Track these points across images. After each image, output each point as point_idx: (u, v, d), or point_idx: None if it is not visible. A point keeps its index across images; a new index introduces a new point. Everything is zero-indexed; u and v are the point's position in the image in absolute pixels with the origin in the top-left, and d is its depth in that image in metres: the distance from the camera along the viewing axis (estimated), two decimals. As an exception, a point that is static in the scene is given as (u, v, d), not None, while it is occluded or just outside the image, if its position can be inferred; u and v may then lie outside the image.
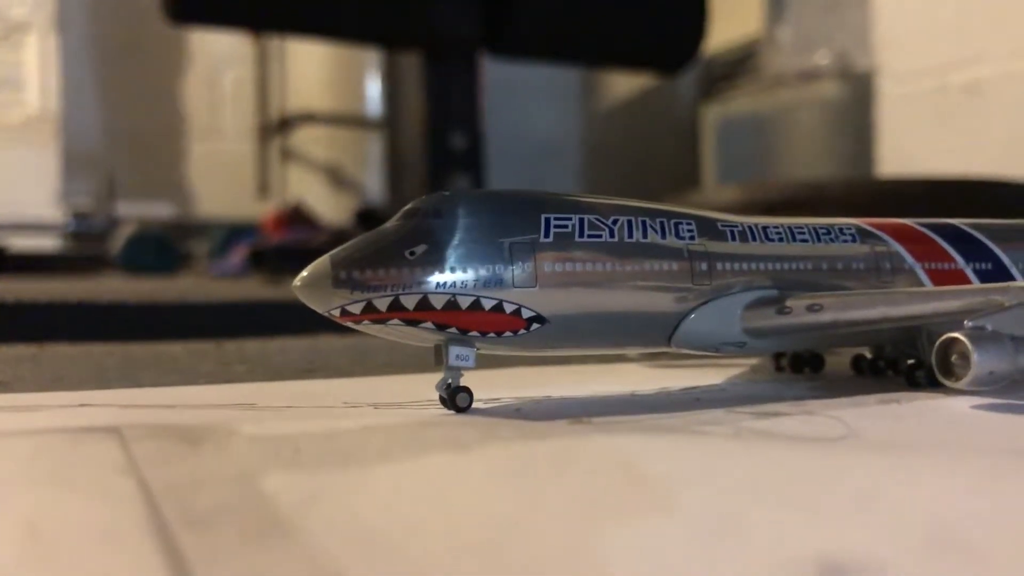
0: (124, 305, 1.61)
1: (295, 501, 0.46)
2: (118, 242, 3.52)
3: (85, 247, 3.99)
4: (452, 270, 0.68)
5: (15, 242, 3.81)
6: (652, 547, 0.39)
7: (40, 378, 0.94)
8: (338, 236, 2.12)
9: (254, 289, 2.13)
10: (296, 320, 1.36)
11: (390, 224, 0.71)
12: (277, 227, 3.31)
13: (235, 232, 3.47)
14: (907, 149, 2.56)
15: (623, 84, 3.87)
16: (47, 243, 4.21)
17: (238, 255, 3.04)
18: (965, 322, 0.71)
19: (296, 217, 3.36)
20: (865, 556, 0.37)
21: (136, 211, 4.17)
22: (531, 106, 3.71)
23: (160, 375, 0.97)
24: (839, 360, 0.95)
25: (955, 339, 0.70)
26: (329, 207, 3.95)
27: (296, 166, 4.57)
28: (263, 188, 4.69)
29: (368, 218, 3.02)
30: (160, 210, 4.48)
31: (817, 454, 0.58)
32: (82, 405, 0.75)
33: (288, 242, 2.94)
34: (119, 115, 4.68)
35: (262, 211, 3.89)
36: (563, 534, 0.41)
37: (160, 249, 3.49)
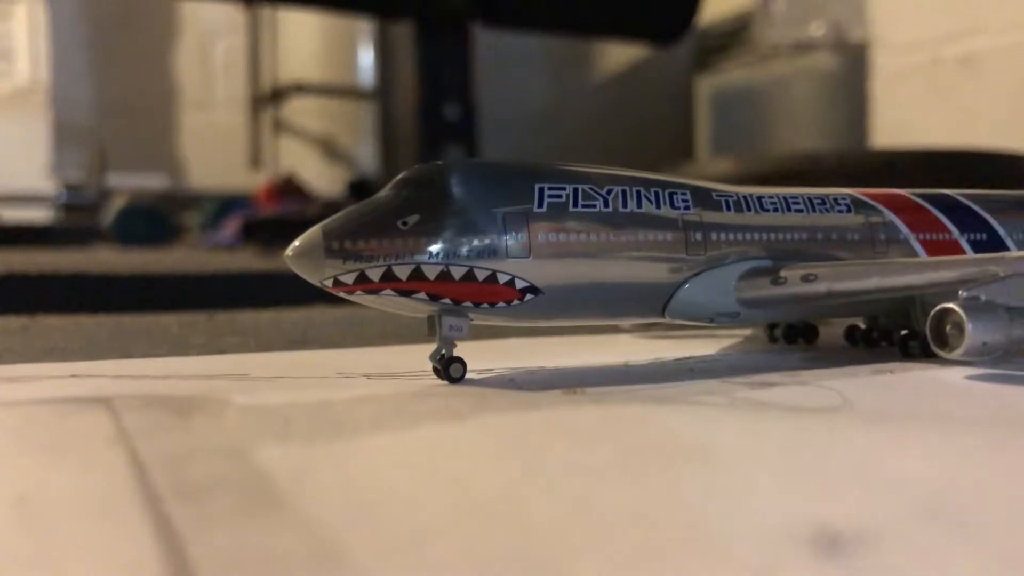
0: (116, 277, 1.60)
1: (287, 471, 0.46)
2: (110, 214, 3.50)
3: (77, 219, 3.97)
4: (445, 240, 0.67)
5: (6, 214, 3.80)
6: (646, 517, 0.39)
7: (31, 349, 0.93)
8: (330, 207, 2.11)
9: (246, 261, 2.13)
10: (289, 291, 1.35)
11: (383, 194, 0.71)
12: (269, 198, 3.30)
13: (227, 204, 3.46)
14: (901, 121, 2.55)
15: (616, 55, 3.85)
16: (38, 215, 4.19)
17: (230, 227, 3.03)
18: (959, 292, 0.71)
19: (288, 188, 3.35)
20: (859, 525, 0.37)
21: (128, 183, 4.15)
22: (524, 77, 3.69)
23: (151, 347, 0.96)
24: (833, 331, 0.95)
25: (949, 309, 0.70)
26: (322, 178, 3.93)
27: (288, 137, 4.55)
28: (255, 159, 4.67)
29: (361, 189, 3.01)
30: (152, 181, 4.45)
31: (812, 424, 0.58)
32: (73, 376, 0.74)
33: (280, 213, 2.93)
34: (110, 86, 4.65)
35: (254, 182, 3.88)
36: (557, 503, 0.41)
37: (152, 221, 3.48)
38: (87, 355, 0.88)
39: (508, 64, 3.53)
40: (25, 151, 4.45)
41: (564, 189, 0.71)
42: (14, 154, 4.40)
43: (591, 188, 0.72)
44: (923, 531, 0.37)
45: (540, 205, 0.70)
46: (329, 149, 4.30)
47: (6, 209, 3.89)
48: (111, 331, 1.11)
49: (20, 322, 1.19)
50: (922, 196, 0.91)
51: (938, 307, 0.71)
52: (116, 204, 3.55)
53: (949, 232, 0.89)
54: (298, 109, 4.42)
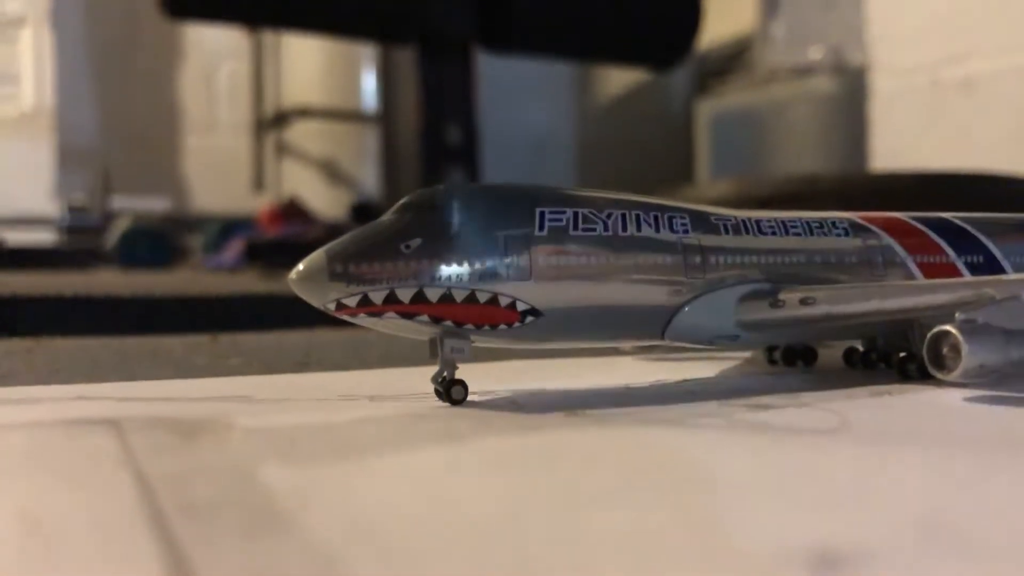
0: (120, 299, 1.61)
1: (291, 493, 0.47)
2: (113, 236, 3.51)
3: (81, 241, 3.98)
4: (447, 263, 0.68)
5: (11, 236, 3.81)
6: (647, 539, 0.40)
7: (36, 372, 0.94)
8: (333, 230, 2.12)
9: (249, 283, 2.13)
10: (292, 313, 1.36)
11: (386, 218, 0.72)
12: (272, 221, 3.31)
13: (230, 226, 3.46)
14: (900, 144, 2.57)
15: (617, 79, 3.87)
16: (43, 237, 4.20)
17: (233, 249, 3.03)
18: (956, 315, 0.72)
19: (291, 211, 3.36)
20: (858, 547, 0.38)
21: (131, 205, 4.16)
22: (525, 101, 3.71)
23: (156, 368, 0.97)
24: (832, 353, 0.96)
25: (946, 332, 0.70)
26: (324, 201, 3.94)
27: (291, 160, 4.56)
28: (258, 182, 4.69)
29: (363, 212, 3.02)
30: (155, 204, 4.47)
31: (810, 446, 0.58)
32: (79, 398, 0.75)
33: (283, 236, 2.94)
34: (114, 109, 4.67)
35: (257, 205, 3.89)
36: (558, 526, 0.42)
37: (155, 243, 3.49)
38: (92, 377, 0.89)
39: (510, 88, 3.55)
40: (30, 174, 4.47)
41: (564, 213, 0.72)
42: (19, 177, 4.42)
43: (591, 212, 0.73)
44: (921, 552, 0.37)
45: (541, 228, 0.71)
46: (332, 172, 4.31)
47: (11, 232, 3.90)
48: (116, 353, 1.11)
49: (25, 344, 1.20)
50: (920, 219, 0.91)
51: (935, 329, 0.71)
52: (120, 226, 3.56)
53: (946, 255, 0.89)
54: (301, 133, 4.44)
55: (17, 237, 3.87)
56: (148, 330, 1.37)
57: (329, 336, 1.27)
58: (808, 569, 0.35)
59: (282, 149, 4.60)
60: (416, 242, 0.68)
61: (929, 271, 0.87)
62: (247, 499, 0.46)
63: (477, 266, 0.69)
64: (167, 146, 4.79)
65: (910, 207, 0.94)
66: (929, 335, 0.72)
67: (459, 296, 0.68)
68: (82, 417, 0.65)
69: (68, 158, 4.55)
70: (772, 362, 0.95)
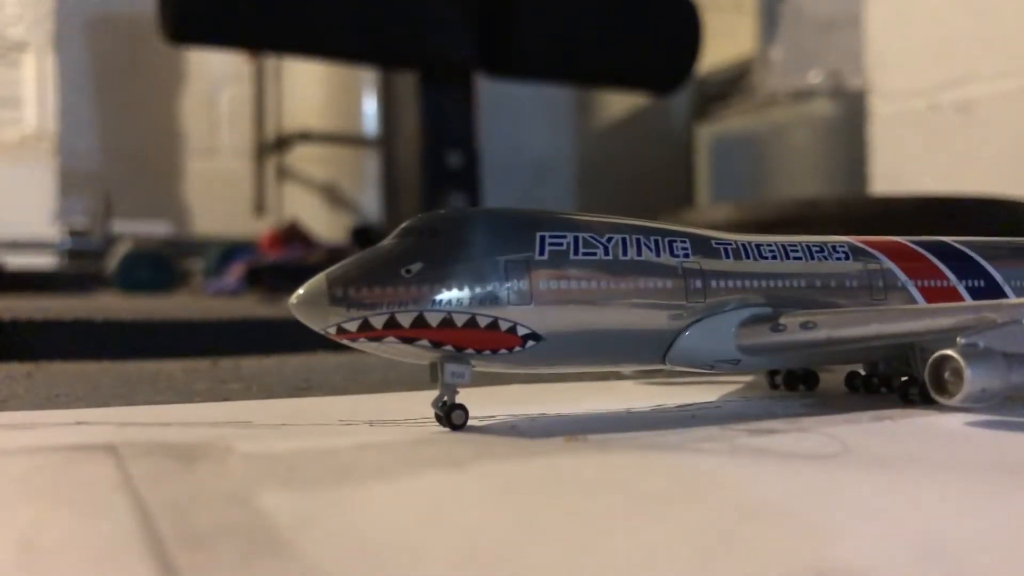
0: (120, 323, 1.61)
1: (291, 519, 0.46)
2: (114, 260, 3.52)
3: (81, 265, 3.98)
4: (448, 288, 0.68)
5: (12, 260, 3.81)
6: (649, 565, 0.40)
7: (35, 396, 0.94)
8: (334, 254, 2.12)
9: (250, 307, 2.13)
10: (292, 338, 1.36)
11: (386, 242, 0.72)
12: (273, 245, 3.32)
13: (231, 250, 3.47)
14: (899, 168, 2.57)
15: (617, 103, 3.89)
16: (44, 261, 4.21)
17: (234, 273, 3.04)
18: (958, 339, 0.72)
19: (292, 235, 3.36)
20: (859, 572, 0.37)
21: (133, 229, 4.17)
22: (526, 125, 3.72)
23: (156, 393, 0.97)
24: (833, 377, 0.95)
25: (948, 356, 0.70)
26: (325, 225, 3.95)
27: (292, 184, 4.57)
28: (259, 206, 4.70)
29: (364, 236, 3.02)
30: (156, 228, 4.47)
31: (812, 471, 0.58)
32: (78, 423, 0.75)
33: (284, 260, 2.94)
34: (116, 134, 4.69)
35: (258, 229, 3.90)
36: (560, 552, 0.42)
37: (156, 267, 3.49)
38: (91, 402, 0.89)
39: (510, 112, 3.57)
40: (31, 198, 4.48)
41: (565, 237, 0.72)
42: (20, 201, 4.43)
43: (592, 236, 0.73)
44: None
45: (542, 253, 0.71)
46: (333, 196, 4.32)
47: (11, 255, 3.91)
48: (115, 377, 1.11)
49: (25, 368, 1.20)
50: (920, 243, 0.91)
51: (936, 354, 0.71)
52: (120, 250, 3.57)
53: (947, 279, 0.89)
54: (302, 157, 4.45)
55: (17, 261, 3.87)
56: (148, 354, 1.37)
57: (329, 360, 1.27)
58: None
59: (283, 173, 4.61)
60: (417, 267, 0.68)
61: (930, 295, 0.87)
62: (246, 525, 0.45)
63: (478, 290, 0.69)
64: (168, 170, 4.80)
65: (910, 231, 0.94)
66: (931, 359, 0.71)
67: (459, 320, 0.68)
68: (81, 443, 0.65)
69: (69, 182, 4.56)
70: (774, 386, 0.95)
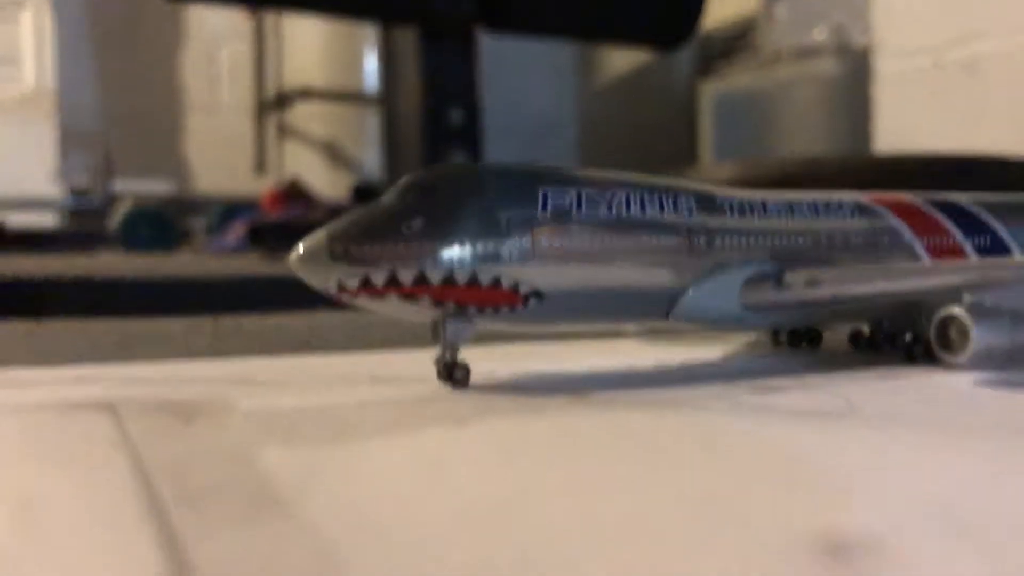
0: (121, 281, 1.60)
1: (290, 477, 0.46)
2: (116, 219, 3.51)
3: (83, 224, 3.98)
4: (449, 245, 0.67)
5: (13, 218, 3.80)
6: (650, 524, 0.39)
7: (36, 354, 0.93)
8: (335, 212, 2.11)
9: (251, 265, 2.13)
10: (294, 295, 1.35)
11: (387, 198, 0.71)
12: (275, 203, 3.30)
13: (232, 209, 3.46)
14: (904, 126, 2.55)
15: (620, 60, 3.85)
16: (45, 220, 4.20)
17: (236, 232, 3.03)
18: (964, 297, 0.71)
19: (293, 193, 3.35)
20: (866, 532, 0.37)
21: (133, 187, 4.16)
22: (528, 82, 3.69)
23: (156, 351, 0.96)
24: (837, 335, 0.95)
25: (954, 314, 0.70)
26: (326, 183, 3.93)
27: (293, 142, 4.55)
28: (260, 164, 4.68)
29: (365, 194, 3.01)
30: (158, 186, 4.46)
31: (816, 429, 0.57)
32: (77, 381, 0.74)
33: (286, 218, 2.93)
34: (116, 91, 4.65)
35: (260, 187, 3.88)
36: (561, 511, 0.41)
37: (157, 226, 3.48)
38: (92, 359, 0.88)
39: (512, 69, 3.53)
40: (31, 156, 4.46)
41: (568, 193, 0.71)
42: (21, 159, 4.41)
43: (595, 192, 0.72)
44: (929, 539, 0.37)
45: (544, 209, 0.70)
46: (334, 154, 4.30)
47: (12, 214, 3.89)
48: (116, 335, 1.11)
49: (26, 326, 1.19)
50: (927, 201, 0.90)
51: (942, 312, 0.70)
52: (122, 209, 3.56)
53: (953, 237, 0.89)
54: (303, 114, 4.42)
55: (19, 219, 3.86)
56: (149, 312, 1.37)
57: (331, 318, 1.26)
58: (816, 556, 0.34)
59: (284, 131, 4.58)
60: (417, 223, 0.67)
61: (936, 253, 0.87)
62: (245, 484, 0.45)
63: (479, 248, 0.68)
64: (169, 128, 4.78)
65: (915, 189, 0.93)
66: (936, 318, 0.71)
67: (461, 278, 0.67)
68: (80, 401, 0.65)
69: (70, 140, 4.53)
70: (777, 344, 0.94)
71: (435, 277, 0.67)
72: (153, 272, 1.72)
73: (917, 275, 0.78)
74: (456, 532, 0.38)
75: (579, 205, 0.71)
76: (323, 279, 0.67)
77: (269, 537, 0.37)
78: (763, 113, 3.37)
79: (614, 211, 0.72)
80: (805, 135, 3.16)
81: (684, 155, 3.58)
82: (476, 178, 0.71)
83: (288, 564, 0.34)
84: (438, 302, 0.68)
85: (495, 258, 0.68)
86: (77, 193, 4.32)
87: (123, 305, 1.45)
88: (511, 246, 0.68)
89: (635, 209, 0.73)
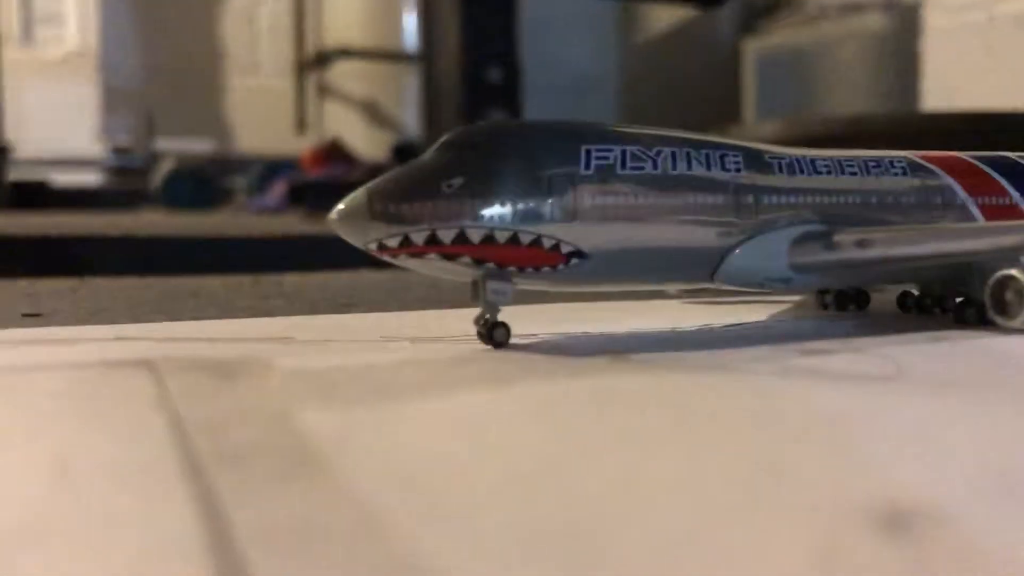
0: (163, 239, 1.61)
1: (330, 437, 0.45)
2: (158, 178, 3.54)
3: (125, 182, 4.02)
4: (489, 203, 0.66)
5: (57, 177, 3.84)
6: (694, 488, 0.38)
7: (78, 311, 0.94)
8: (376, 172, 2.10)
9: (293, 224, 2.14)
10: (335, 255, 1.35)
11: (427, 156, 0.70)
12: (315, 163, 3.31)
13: (273, 168, 3.48)
14: (953, 83, 2.49)
15: (662, 16, 3.80)
16: (88, 178, 4.24)
17: (276, 190, 3.04)
18: (1021, 258, 0.69)
19: (333, 152, 3.36)
20: (923, 500, 0.36)
21: (175, 146, 4.18)
22: (569, 39, 3.65)
23: (198, 309, 0.97)
24: (885, 297, 0.93)
25: (1011, 276, 0.68)
26: (366, 142, 3.93)
27: (333, 101, 4.55)
28: (300, 123, 4.69)
29: (405, 153, 3.00)
30: (199, 145, 4.49)
31: (866, 393, 0.56)
32: (118, 338, 0.74)
33: (326, 178, 2.94)
34: (158, 50, 4.68)
35: (300, 146, 3.89)
36: (602, 473, 0.40)
37: (199, 185, 3.51)
38: (134, 317, 0.89)
39: (552, 27, 3.50)
40: (75, 116, 4.50)
41: (612, 151, 0.70)
42: (64, 119, 4.45)
43: (639, 150, 0.71)
44: (982, 505, 0.35)
45: (587, 167, 0.69)
46: (373, 113, 4.29)
47: (57, 173, 3.94)
48: (158, 293, 1.11)
49: (70, 283, 1.20)
50: (981, 159, 0.88)
51: (999, 274, 0.68)
52: (164, 168, 3.58)
53: (1009, 196, 0.86)
54: (342, 73, 4.42)
55: (63, 178, 3.90)
56: (191, 271, 1.38)
57: (373, 277, 1.26)
58: (870, 523, 0.33)
59: (324, 90, 4.58)
60: (458, 181, 0.66)
61: (991, 213, 0.84)
62: (284, 443, 0.44)
63: (520, 206, 0.66)
64: (210, 87, 4.80)
65: (964, 148, 0.90)
66: (992, 279, 0.69)
67: (501, 237, 0.66)
68: (120, 359, 0.65)
69: (112, 99, 4.57)
70: (824, 306, 0.92)
71: (475, 236, 0.66)
72: (194, 231, 1.73)
73: (971, 236, 0.76)
74: (496, 495, 0.37)
75: (623, 162, 0.70)
76: (363, 238, 0.66)
77: (307, 497, 0.37)
78: (807, 70, 3.31)
79: (659, 168, 0.71)
80: (850, 93, 3.10)
81: (726, 113, 3.53)
82: (517, 135, 0.70)
83: (326, 524, 0.34)
84: (478, 261, 0.67)
85: (536, 217, 0.67)
86: (119, 152, 4.35)
87: (165, 263, 1.46)
88: (552, 205, 0.67)
89: (680, 166, 0.72)
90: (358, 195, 0.67)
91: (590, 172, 0.68)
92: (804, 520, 0.34)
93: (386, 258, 0.67)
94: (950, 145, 0.91)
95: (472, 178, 0.66)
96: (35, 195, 3.37)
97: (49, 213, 2.69)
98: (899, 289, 0.90)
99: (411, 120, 4.10)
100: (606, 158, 0.69)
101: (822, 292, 0.92)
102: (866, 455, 0.43)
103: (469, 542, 0.32)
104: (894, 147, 0.87)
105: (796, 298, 0.97)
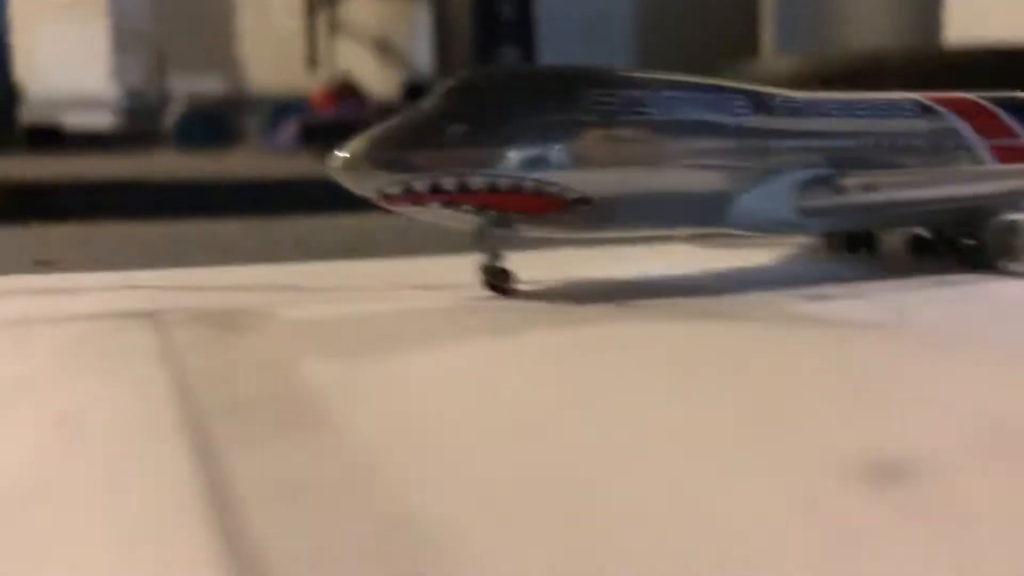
0: (173, 184, 1.61)
1: (332, 388, 0.46)
2: (171, 118, 3.53)
3: (138, 123, 4.00)
4: (492, 150, 0.65)
5: (70, 119, 3.83)
6: (696, 435, 0.38)
7: (87, 258, 0.94)
8: (387, 111, 2.09)
9: (305, 165, 2.13)
10: (345, 196, 1.35)
11: (430, 102, 0.69)
12: (326, 101, 3.29)
13: (285, 106, 3.46)
14: (977, 14, 2.44)
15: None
16: (101, 120, 4.23)
17: (288, 130, 3.03)
18: (1029, 202, 0.68)
19: (345, 90, 3.33)
20: (919, 454, 0.36)
21: (187, 85, 4.16)
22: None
23: (207, 255, 0.97)
24: (895, 240, 0.92)
25: (1019, 221, 0.67)
26: (377, 79, 3.90)
27: (344, 38, 4.51)
28: (312, 61, 4.65)
29: (416, 91, 2.98)
30: (210, 84, 4.46)
31: (866, 341, 0.56)
32: (124, 287, 0.75)
33: (338, 117, 2.92)
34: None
35: (311, 83, 3.86)
36: (602, 421, 0.41)
37: (212, 125, 3.50)
38: (142, 263, 0.89)
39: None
40: (86, 56, 4.47)
41: (615, 95, 0.69)
42: (75, 60, 4.43)
43: (644, 94, 0.70)
44: (977, 458, 0.36)
45: (590, 112, 0.68)
46: (384, 50, 4.26)
47: (69, 115, 3.93)
48: (168, 238, 1.12)
49: (80, 229, 1.21)
50: (993, 100, 0.86)
51: (1007, 218, 0.68)
52: (176, 109, 3.57)
53: (1020, 137, 0.85)
54: (354, 9, 4.37)
55: (75, 120, 3.89)
56: (203, 214, 1.38)
57: (380, 221, 1.25)
58: (862, 474, 0.33)
59: (335, 26, 4.54)
60: (460, 128, 0.65)
61: (1003, 156, 0.83)
62: (286, 395, 0.45)
63: (524, 153, 0.66)
64: (220, 25, 4.75)
65: (985, 85, 0.89)
66: (1001, 223, 0.68)
67: (505, 184, 0.66)
68: (126, 309, 0.65)
69: (123, 39, 4.54)
70: (832, 249, 0.92)
71: (478, 184, 0.66)
72: (205, 174, 1.73)
73: (981, 179, 0.75)
74: (501, 443, 0.38)
75: (627, 107, 0.69)
76: (364, 186, 0.66)
77: (309, 448, 0.37)
78: (826, 3, 3.25)
79: (664, 113, 0.70)
80: (870, 26, 3.04)
81: (744, 46, 3.47)
82: (519, 81, 0.69)
83: (328, 475, 0.34)
84: (481, 209, 0.67)
85: (539, 164, 0.66)
86: (131, 92, 4.34)
87: (176, 207, 1.46)
88: (556, 151, 0.66)
89: (685, 111, 0.71)
90: (359, 143, 0.66)
91: (594, 118, 0.68)
92: (792, 470, 0.34)
93: (388, 207, 0.67)
94: (973, 80, 0.89)
95: (474, 125, 0.66)
96: (50, 138, 3.37)
97: (61, 156, 2.68)
98: (910, 232, 0.90)
99: (422, 56, 4.06)
100: (610, 103, 0.69)
101: (830, 235, 0.91)
102: (858, 407, 0.43)
103: (469, 491, 0.33)
104: (915, 81, 0.86)
105: (804, 241, 0.96)
